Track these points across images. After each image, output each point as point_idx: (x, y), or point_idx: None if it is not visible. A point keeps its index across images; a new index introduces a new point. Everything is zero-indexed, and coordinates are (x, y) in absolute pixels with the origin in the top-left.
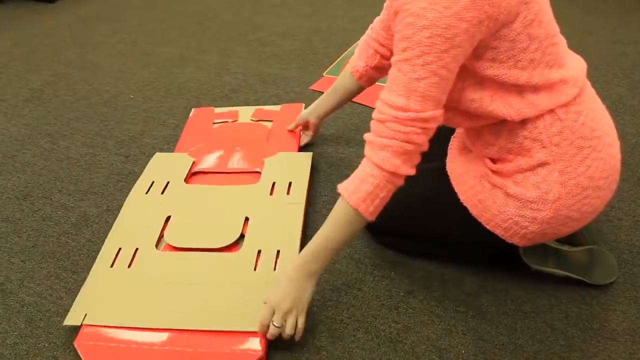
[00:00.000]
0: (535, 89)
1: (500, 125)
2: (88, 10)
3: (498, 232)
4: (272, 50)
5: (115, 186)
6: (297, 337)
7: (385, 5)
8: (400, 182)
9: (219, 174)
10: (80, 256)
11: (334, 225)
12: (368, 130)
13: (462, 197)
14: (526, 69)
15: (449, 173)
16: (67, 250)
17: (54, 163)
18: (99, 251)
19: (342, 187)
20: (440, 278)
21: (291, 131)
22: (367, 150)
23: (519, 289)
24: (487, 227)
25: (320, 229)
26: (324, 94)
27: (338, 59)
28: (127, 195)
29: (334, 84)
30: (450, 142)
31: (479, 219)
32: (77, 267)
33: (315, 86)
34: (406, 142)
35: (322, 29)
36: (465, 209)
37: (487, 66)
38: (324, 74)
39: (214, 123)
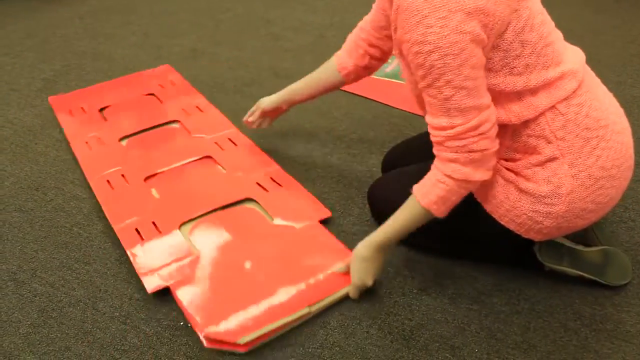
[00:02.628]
0: (534, 91)
1: (503, 128)
2: (100, 1)
3: (512, 227)
4: (284, 44)
5: None
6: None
7: (374, 6)
8: (476, 185)
9: (175, 168)
10: (92, 247)
11: (404, 221)
12: (380, 125)
13: (476, 192)
14: (522, 75)
15: None
16: (79, 242)
17: (66, 154)
18: (111, 243)
19: (415, 189)
20: (453, 276)
21: (248, 122)
22: (437, 163)
23: (532, 289)
24: (501, 222)
25: (390, 221)
26: (301, 82)
27: None
28: None
29: (316, 76)
30: None
31: (492, 215)
32: (89, 258)
33: None
34: (469, 152)
35: (335, 24)
36: (479, 204)
37: None
38: None
39: (121, 139)
